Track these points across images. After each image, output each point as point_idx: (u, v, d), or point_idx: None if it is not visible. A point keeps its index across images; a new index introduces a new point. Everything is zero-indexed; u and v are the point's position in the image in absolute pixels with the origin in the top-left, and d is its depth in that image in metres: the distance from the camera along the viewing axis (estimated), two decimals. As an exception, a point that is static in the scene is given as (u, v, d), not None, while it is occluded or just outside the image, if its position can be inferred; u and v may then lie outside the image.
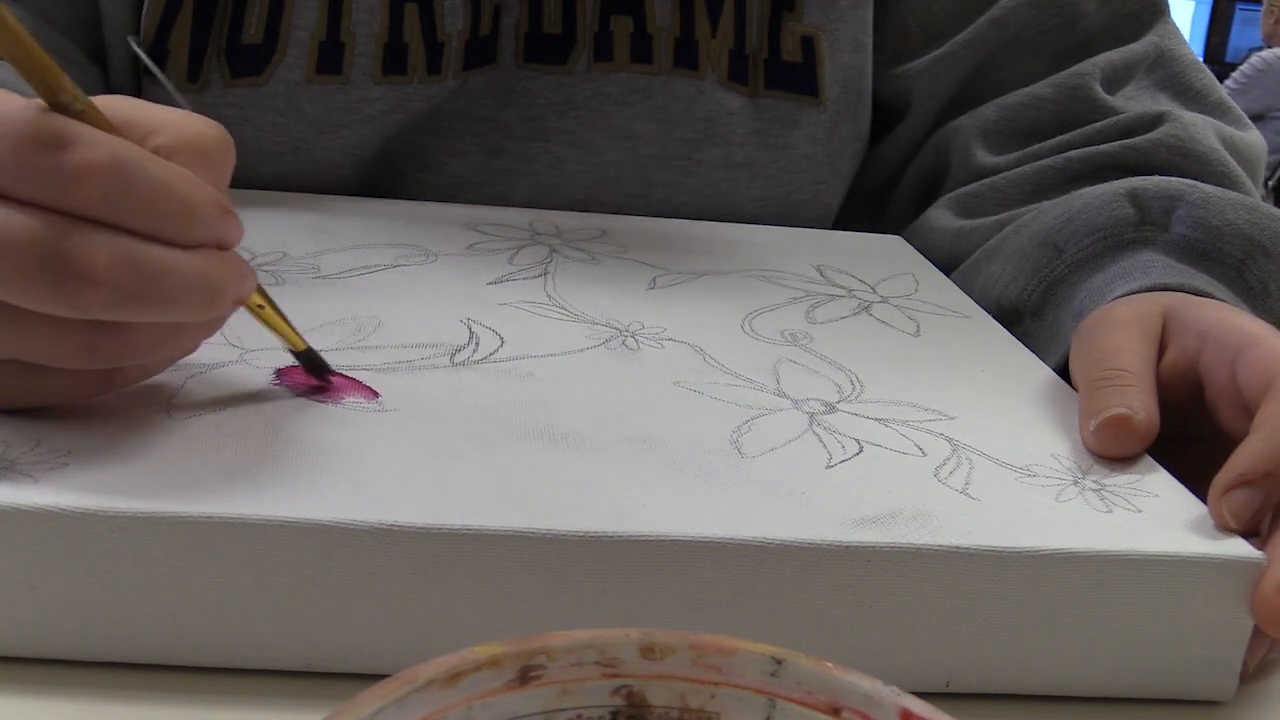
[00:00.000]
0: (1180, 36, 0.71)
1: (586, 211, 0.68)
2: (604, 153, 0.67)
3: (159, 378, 0.40)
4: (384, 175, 0.67)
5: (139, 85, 0.66)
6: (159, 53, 0.64)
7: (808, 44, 0.68)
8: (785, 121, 0.68)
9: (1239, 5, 6.64)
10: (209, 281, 0.35)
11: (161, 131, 0.36)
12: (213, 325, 0.38)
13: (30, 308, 0.34)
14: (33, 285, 0.33)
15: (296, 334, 0.41)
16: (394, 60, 0.64)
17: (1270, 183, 3.42)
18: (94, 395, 0.37)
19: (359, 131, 0.64)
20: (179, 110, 0.37)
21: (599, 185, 0.68)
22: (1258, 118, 3.57)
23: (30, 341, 0.34)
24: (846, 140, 0.71)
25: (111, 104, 0.36)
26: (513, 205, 0.68)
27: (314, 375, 0.41)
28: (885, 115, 0.74)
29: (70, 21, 0.64)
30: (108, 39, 0.64)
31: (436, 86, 0.64)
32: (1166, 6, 0.70)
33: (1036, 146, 0.67)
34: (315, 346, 0.41)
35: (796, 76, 0.68)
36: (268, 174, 0.65)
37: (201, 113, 0.65)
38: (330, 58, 0.64)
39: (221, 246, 0.36)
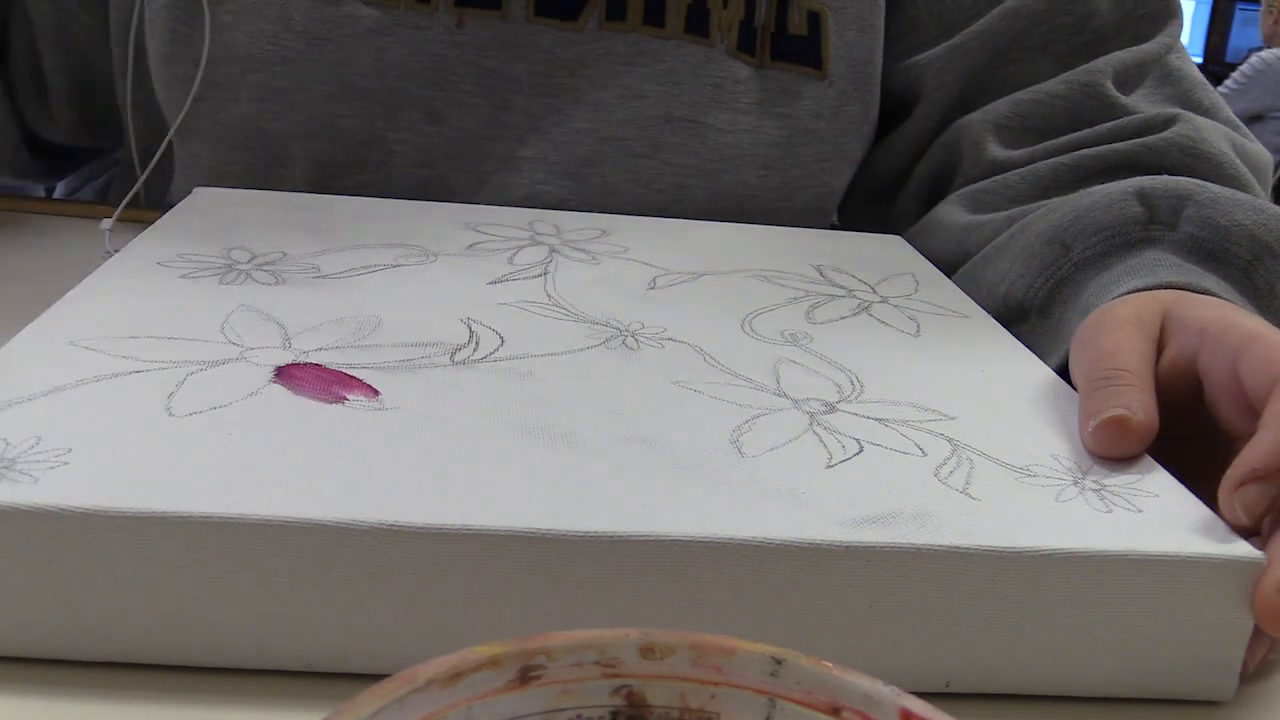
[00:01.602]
0: (1187, 55, 0.71)
1: (593, 170, 0.68)
2: (612, 111, 0.67)
3: (159, 377, 0.40)
4: (392, 127, 0.67)
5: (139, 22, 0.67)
6: None
7: (814, 19, 0.69)
8: (789, 93, 0.69)
9: (1239, 5, 6.64)
10: None
11: None
12: None
13: None
14: None
15: None
16: None
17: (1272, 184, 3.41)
18: None
19: (346, 48, 0.65)
20: None
21: (606, 144, 0.68)
22: (1257, 118, 3.57)
23: None
24: (853, 122, 0.71)
25: None
26: (519, 160, 0.68)
27: None
28: (895, 108, 0.74)
29: None
30: None
31: (428, 17, 0.65)
32: (1179, 11, 0.71)
33: (1049, 143, 0.67)
34: (315, 345, 0.41)
35: (801, 49, 0.69)
36: (254, 83, 0.66)
37: (194, 17, 0.67)
38: None
39: None
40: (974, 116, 0.70)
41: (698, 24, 0.67)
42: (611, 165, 0.68)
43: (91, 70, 0.73)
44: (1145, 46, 0.69)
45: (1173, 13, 0.71)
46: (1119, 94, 0.67)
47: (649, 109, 0.68)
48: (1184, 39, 0.73)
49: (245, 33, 0.65)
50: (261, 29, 0.65)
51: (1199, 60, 6.18)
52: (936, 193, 0.73)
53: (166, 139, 0.68)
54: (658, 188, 0.69)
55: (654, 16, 0.67)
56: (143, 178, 0.69)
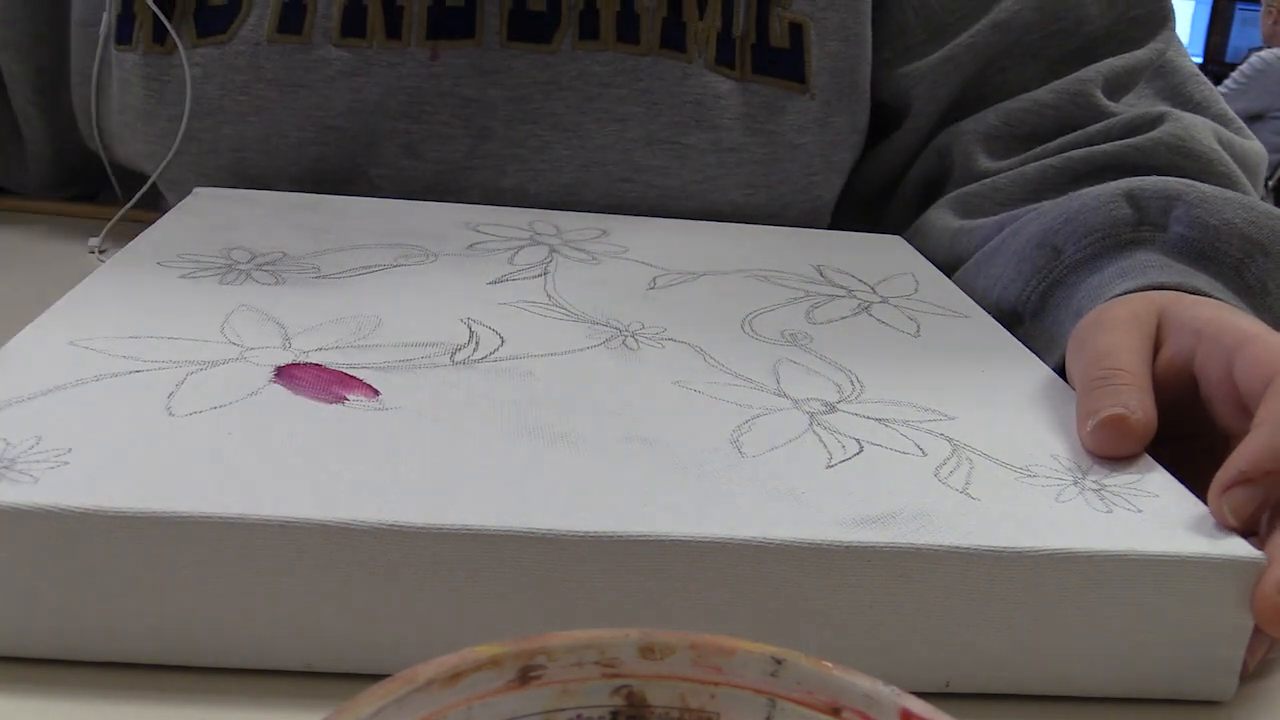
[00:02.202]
0: (1182, 47, 0.71)
1: (575, 198, 0.68)
2: (592, 136, 0.67)
3: (159, 377, 0.40)
4: (373, 163, 0.67)
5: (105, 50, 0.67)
6: (126, 16, 0.65)
7: (795, 31, 0.67)
8: (773, 108, 0.68)
9: (1239, 5, 6.63)
10: None
11: None
12: None
13: None
14: None
15: None
16: (353, 23, 0.64)
17: (1270, 183, 3.41)
18: None
19: (319, 92, 0.65)
20: None
21: (587, 170, 0.67)
22: (1257, 118, 3.57)
23: None
24: (840, 132, 0.70)
25: None
26: (501, 191, 0.67)
27: None
28: (885, 117, 0.73)
29: None
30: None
31: (400, 53, 0.64)
32: (1172, 13, 0.70)
33: (1038, 149, 0.67)
34: (315, 345, 0.41)
35: (783, 62, 0.67)
36: (230, 135, 0.66)
37: (165, 73, 0.66)
38: (292, 17, 0.64)
39: None
40: (965, 125, 0.70)
41: (674, 39, 0.66)
42: (593, 191, 0.68)
43: (72, 127, 0.73)
44: (1138, 53, 0.68)
45: (1165, 16, 0.70)
46: (1109, 101, 0.67)
47: (629, 132, 0.67)
48: (1183, 39, 0.72)
49: (217, 85, 0.65)
50: (233, 79, 0.65)
51: (1199, 60, 6.18)
52: (928, 199, 0.72)
53: (146, 186, 0.68)
54: (641, 210, 0.68)
55: (628, 33, 0.66)
56: (123, 210, 0.69)
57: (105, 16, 0.67)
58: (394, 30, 0.64)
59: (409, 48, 0.64)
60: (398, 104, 0.65)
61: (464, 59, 0.65)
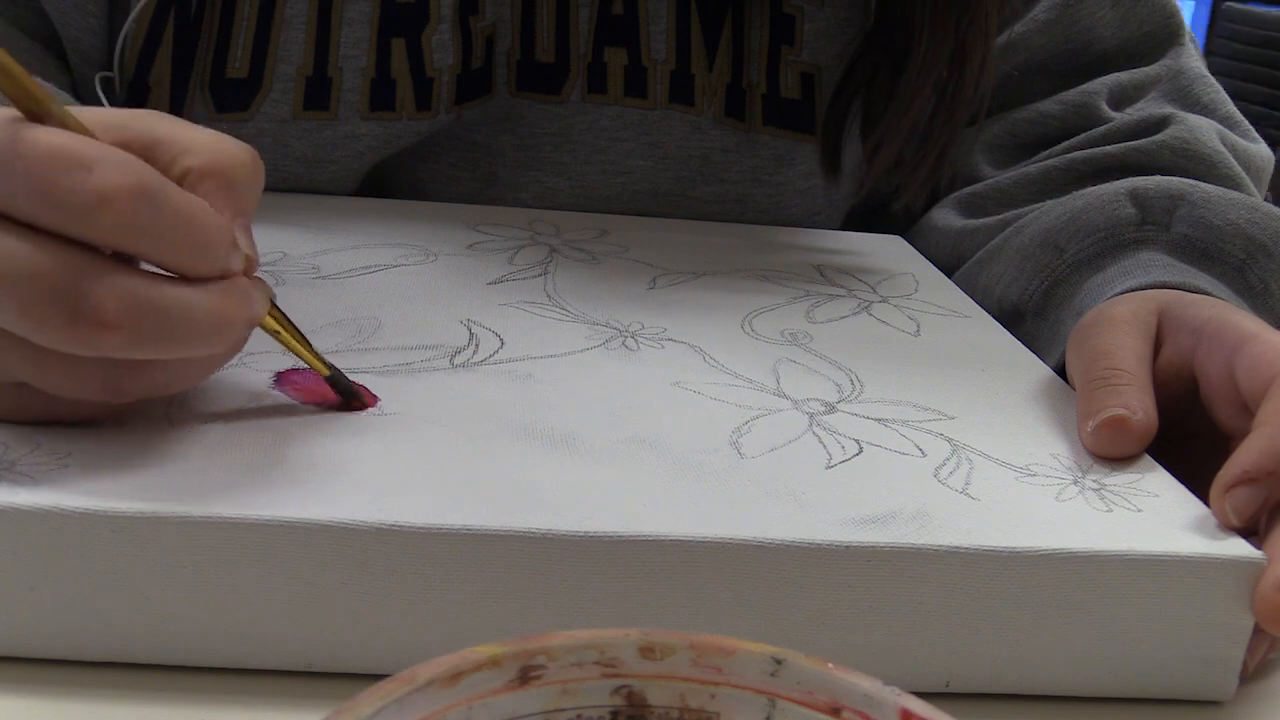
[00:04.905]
0: (1194, 50, 0.70)
1: None
2: (596, 186, 0.66)
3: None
4: (381, 195, 0.67)
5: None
6: (139, 88, 0.62)
7: (807, 80, 0.67)
8: (781, 159, 0.67)
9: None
10: (220, 316, 0.35)
11: (193, 153, 0.35)
12: (229, 353, 0.37)
13: (42, 345, 0.33)
14: (45, 325, 0.32)
15: (319, 358, 0.40)
16: (382, 96, 0.62)
17: None
18: (103, 416, 0.37)
19: (347, 166, 0.63)
20: (212, 131, 0.36)
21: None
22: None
23: (45, 375, 0.34)
24: (846, 174, 0.70)
25: (146, 120, 0.36)
26: None
27: (342, 398, 0.40)
28: None
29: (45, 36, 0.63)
30: (74, 69, 0.62)
31: (427, 121, 0.63)
32: (1183, 29, 0.70)
33: (1041, 154, 0.67)
34: (316, 348, 0.41)
35: (793, 114, 0.67)
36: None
37: None
38: (317, 93, 0.62)
39: (226, 276, 0.35)
40: (968, 133, 0.70)
41: (682, 92, 0.65)
42: None
43: None
44: (1147, 69, 0.68)
45: (1175, 33, 0.69)
46: (1112, 111, 0.67)
47: (635, 185, 0.66)
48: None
49: None
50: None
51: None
52: (930, 204, 0.72)
53: None
54: None
55: (636, 87, 0.65)
56: None
57: (115, 80, 0.64)
58: (424, 102, 0.63)
59: (438, 116, 0.63)
60: (411, 147, 0.65)
61: (479, 109, 0.65)
